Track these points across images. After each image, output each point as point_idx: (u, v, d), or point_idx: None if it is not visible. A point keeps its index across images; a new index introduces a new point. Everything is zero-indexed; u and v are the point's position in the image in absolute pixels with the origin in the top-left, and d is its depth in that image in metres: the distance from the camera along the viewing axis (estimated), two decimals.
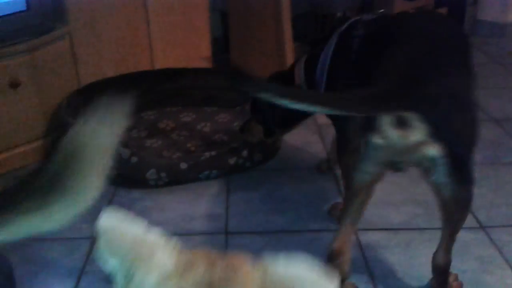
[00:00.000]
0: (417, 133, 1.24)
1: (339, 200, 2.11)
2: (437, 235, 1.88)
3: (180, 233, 1.88)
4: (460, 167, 1.32)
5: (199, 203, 2.11)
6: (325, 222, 1.98)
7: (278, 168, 2.38)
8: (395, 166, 1.40)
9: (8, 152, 2.29)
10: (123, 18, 2.66)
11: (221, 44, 3.53)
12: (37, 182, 0.72)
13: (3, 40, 2.19)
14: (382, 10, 1.86)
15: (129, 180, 2.16)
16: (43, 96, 2.36)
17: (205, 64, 3.07)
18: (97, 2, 2.55)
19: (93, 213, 0.72)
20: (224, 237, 1.89)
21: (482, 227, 1.93)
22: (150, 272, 0.63)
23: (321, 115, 2.85)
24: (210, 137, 2.57)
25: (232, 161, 2.27)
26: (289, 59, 3.15)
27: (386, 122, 1.25)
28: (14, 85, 2.22)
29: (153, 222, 0.66)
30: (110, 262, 0.65)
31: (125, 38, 2.69)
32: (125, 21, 2.67)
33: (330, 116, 1.84)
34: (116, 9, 2.63)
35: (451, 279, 1.60)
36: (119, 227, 0.66)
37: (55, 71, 2.42)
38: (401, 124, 1.24)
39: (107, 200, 2.10)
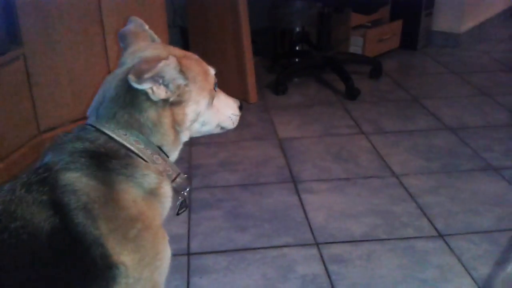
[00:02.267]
0: None
1: (301, 214, 2.12)
2: (397, 245, 1.92)
3: None
4: None
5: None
6: (287, 237, 1.98)
7: (240, 184, 2.37)
8: None
9: None
10: (80, 37, 2.62)
11: None
12: None
13: None
14: None
15: None
16: None
17: None
18: (52, 21, 2.50)
19: None
20: (186, 258, 1.86)
21: (440, 235, 1.97)
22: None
23: (281, 128, 2.86)
24: None
25: None
26: (250, 73, 3.17)
27: None
28: None
29: None
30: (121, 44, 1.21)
31: (81, 58, 2.64)
32: (82, 40, 2.63)
33: None
34: (72, 29, 2.58)
35: None
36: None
37: (8, 93, 2.36)
38: None
39: None
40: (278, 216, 2.12)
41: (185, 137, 1.17)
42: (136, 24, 1.24)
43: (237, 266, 1.83)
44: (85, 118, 2.86)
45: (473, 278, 1.74)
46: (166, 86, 1.04)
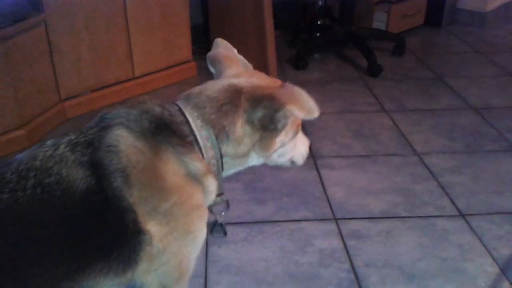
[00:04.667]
0: None
1: (320, 190, 2.10)
2: (417, 223, 1.90)
3: None
4: None
5: None
6: (306, 212, 1.97)
7: None
8: None
9: None
10: (100, 5, 2.60)
11: (201, 32, 3.48)
12: None
13: None
14: None
15: None
16: (18, 86, 2.29)
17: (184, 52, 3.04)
18: None
19: None
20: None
21: (462, 215, 1.94)
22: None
23: None
24: None
25: None
26: (270, 47, 3.12)
27: None
28: None
29: None
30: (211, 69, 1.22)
31: (102, 26, 2.63)
32: (102, 7, 2.61)
33: None
34: None
35: None
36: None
37: (30, 60, 2.36)
38: None
39: None
40: (297, 191, 2.11)
41: (257, 161, 1.17)
42: (226, 48, 1.24)
43: (255, 237, 1.83)
44: (105, 87, 2.86)
45: (493, 258, 1.72)
46: None
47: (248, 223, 1.91)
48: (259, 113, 1.06)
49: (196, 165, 1.03)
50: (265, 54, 3.12)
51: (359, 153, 2.38)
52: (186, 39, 3.05)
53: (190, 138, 1.05)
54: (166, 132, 1.02)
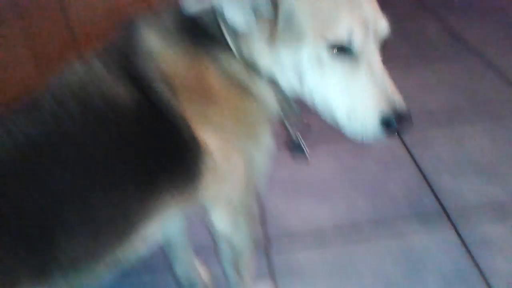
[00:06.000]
0: None
1: None
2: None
3: None
4: None
5: None
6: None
7: None
8: None
9: None
10: None
11: None
12: None
13: None
14: None
15: None
16: (31, 37, 2.14)
17: None
18: None
19: None
20: None
21: None
22: None
23: None
24: None
25: None
26: None
27: None
28: None
29: None
30: None
31: None
32: None
33: None
34: None
35: None
36: None
37: (40, 5, 2.18)
38: None
39: None
40: None
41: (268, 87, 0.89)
42: None
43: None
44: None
45: None
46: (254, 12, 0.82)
47: None
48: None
49: (231, 62, 0.86)
50: None
51: (407, 55, 2.15)
52: None
53: (219, 35, 0.86)
54: (194, 30, 0.86)
